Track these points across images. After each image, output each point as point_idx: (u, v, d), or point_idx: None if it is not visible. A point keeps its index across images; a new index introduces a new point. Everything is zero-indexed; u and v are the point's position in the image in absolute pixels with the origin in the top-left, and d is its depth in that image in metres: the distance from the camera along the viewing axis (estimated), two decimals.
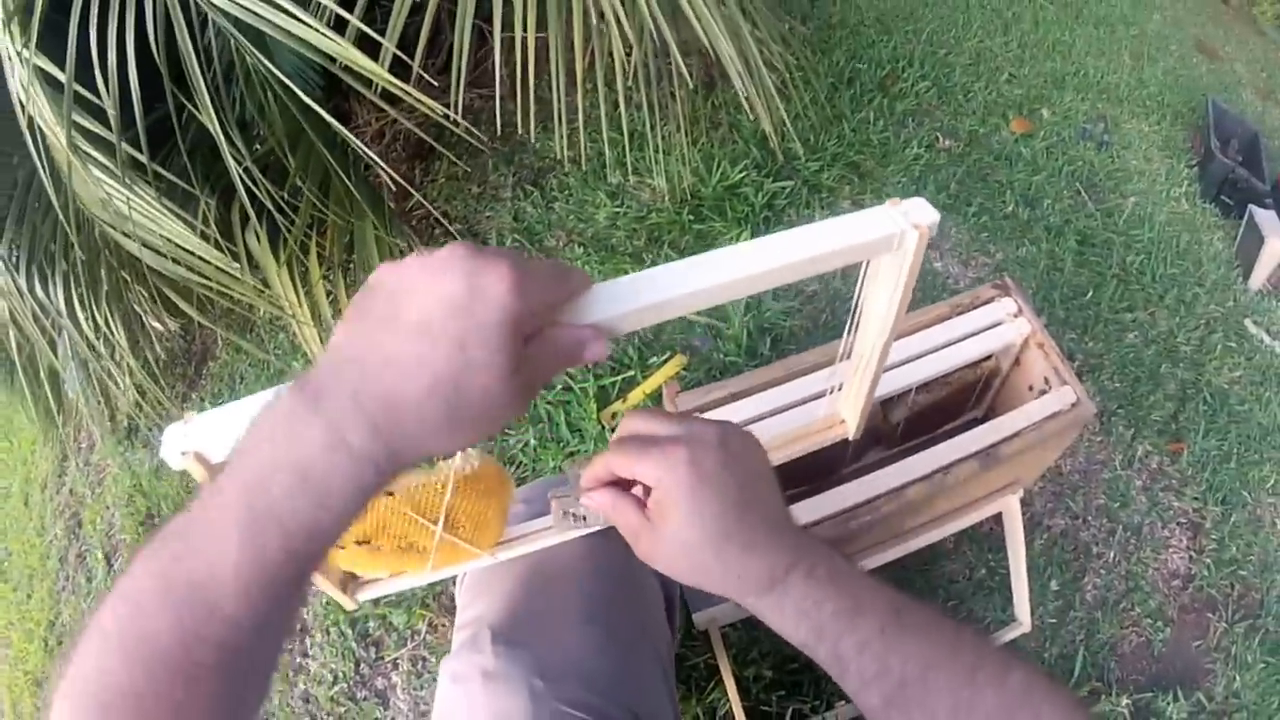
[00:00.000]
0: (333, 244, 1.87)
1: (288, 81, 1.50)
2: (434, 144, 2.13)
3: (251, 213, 1.67)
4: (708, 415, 1.08)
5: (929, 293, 2.16)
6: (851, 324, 0.78)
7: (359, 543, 0.66)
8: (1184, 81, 3.27)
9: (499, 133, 2.16)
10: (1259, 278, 2.60)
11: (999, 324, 1.30)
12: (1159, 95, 3.08)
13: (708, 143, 2.30)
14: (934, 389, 1.36)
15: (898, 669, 0.54)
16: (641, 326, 0.58)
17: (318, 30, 1.36)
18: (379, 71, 1.41)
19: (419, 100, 1.47)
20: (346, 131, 1.54)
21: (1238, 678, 1.80)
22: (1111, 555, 1.90)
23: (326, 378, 0.45)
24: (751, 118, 1.88)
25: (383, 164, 1.64)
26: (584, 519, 0.73)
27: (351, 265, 1.89)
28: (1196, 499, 2.06)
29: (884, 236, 0.63)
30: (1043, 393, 1.29)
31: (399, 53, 1.50)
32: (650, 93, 1.90)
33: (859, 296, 0.73)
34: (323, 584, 0.70)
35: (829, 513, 1.13)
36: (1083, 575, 1.87)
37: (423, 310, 0.44)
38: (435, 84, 1.97)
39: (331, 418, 0.44)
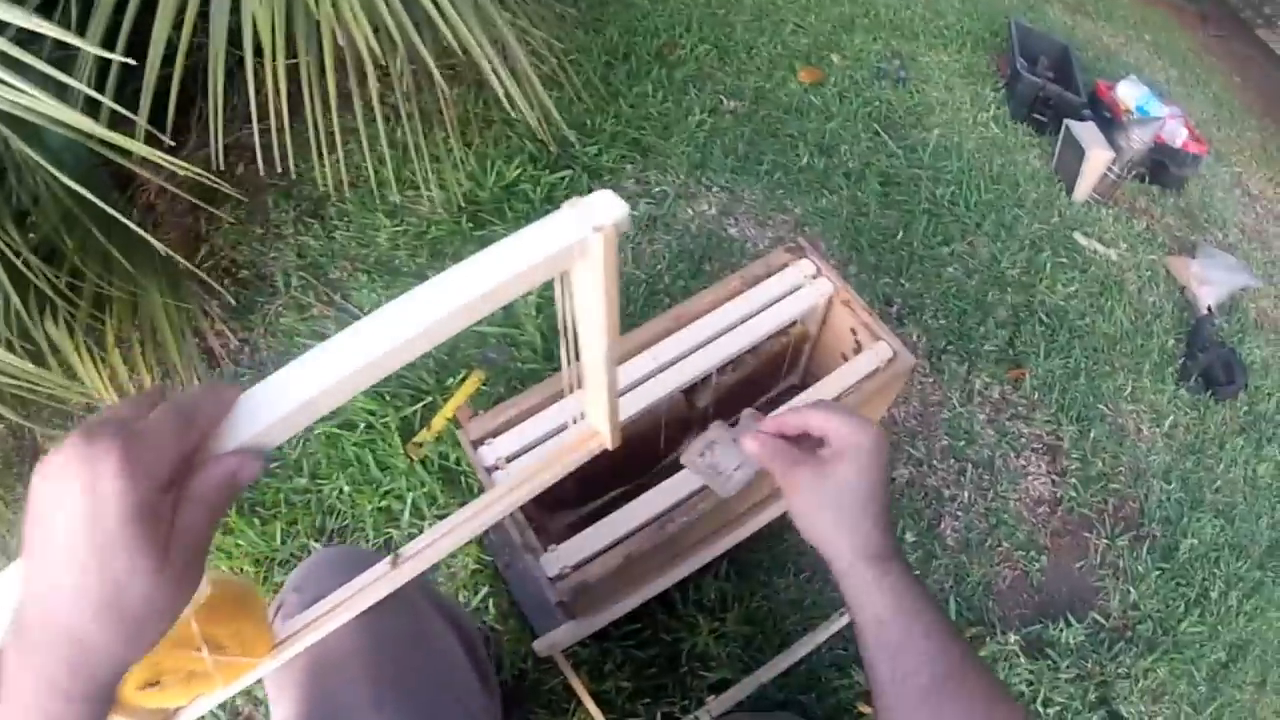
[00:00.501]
0: (120, 318, 1.76)
1: (48, 167, 1.44)
2: (198, 202, 2.00)
3: (38, 305, 1.60)
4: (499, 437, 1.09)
5: (726, 260, 2.04)
6: (565, 342, 0.69)
7: (147, 686, 0.63)
8: (983, 7, 3.24)
9: (268, 169, 2.04)
10: (1083, 189, 2.56)
11: (799, 288, 1.28)
12: (957, 24, 3.05)
13: (482, 143, 2.17)
14: (741, 365, 1.31)
15: (957, 655, 0.65)
16: (304, 426, 0.51)
17: (69, 113, 1.29)
18: (133, 145, 1.36)
19: (175, 163, 1.40)
20: (106, 206, 1.46)
21: (1132, 590, 1.78)
22: (966, 495, 1.84)
23: (27, 621, 0.44)
24: (517, 114, 1.77)
25: (151, 233, 1.56)
26: (734, 470, 0.82)
27: (143, 336, 1.78)
28: (1049, 421, 2.02)
29: (562, 250, 0.55)
30: (856, 351, 1.28)
31: (150, 128, 1.47)
32: (416, 101, 1.81)
33: (561, 312, 0.65)
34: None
35: (642, 520, 1.08)
36: (939, 521, 1.81)
37: (63, 534, 0.42)
38: (205, 131, 1.87)
39: (37, 667, 0.44)
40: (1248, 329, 2.49)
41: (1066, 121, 2.61)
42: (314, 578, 0.85)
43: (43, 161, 1.45)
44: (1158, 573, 1.81)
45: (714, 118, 2.33)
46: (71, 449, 0.43)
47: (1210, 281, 2.45)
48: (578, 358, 0.69)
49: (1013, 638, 1.67)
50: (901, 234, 2.18)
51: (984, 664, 0.67)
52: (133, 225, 1.51)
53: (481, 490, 1.09)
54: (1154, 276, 2.44)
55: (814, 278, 1.28)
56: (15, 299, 1.55)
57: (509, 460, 1.08)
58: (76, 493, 0.42)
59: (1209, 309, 2.40)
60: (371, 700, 0.81)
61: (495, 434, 1.11)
